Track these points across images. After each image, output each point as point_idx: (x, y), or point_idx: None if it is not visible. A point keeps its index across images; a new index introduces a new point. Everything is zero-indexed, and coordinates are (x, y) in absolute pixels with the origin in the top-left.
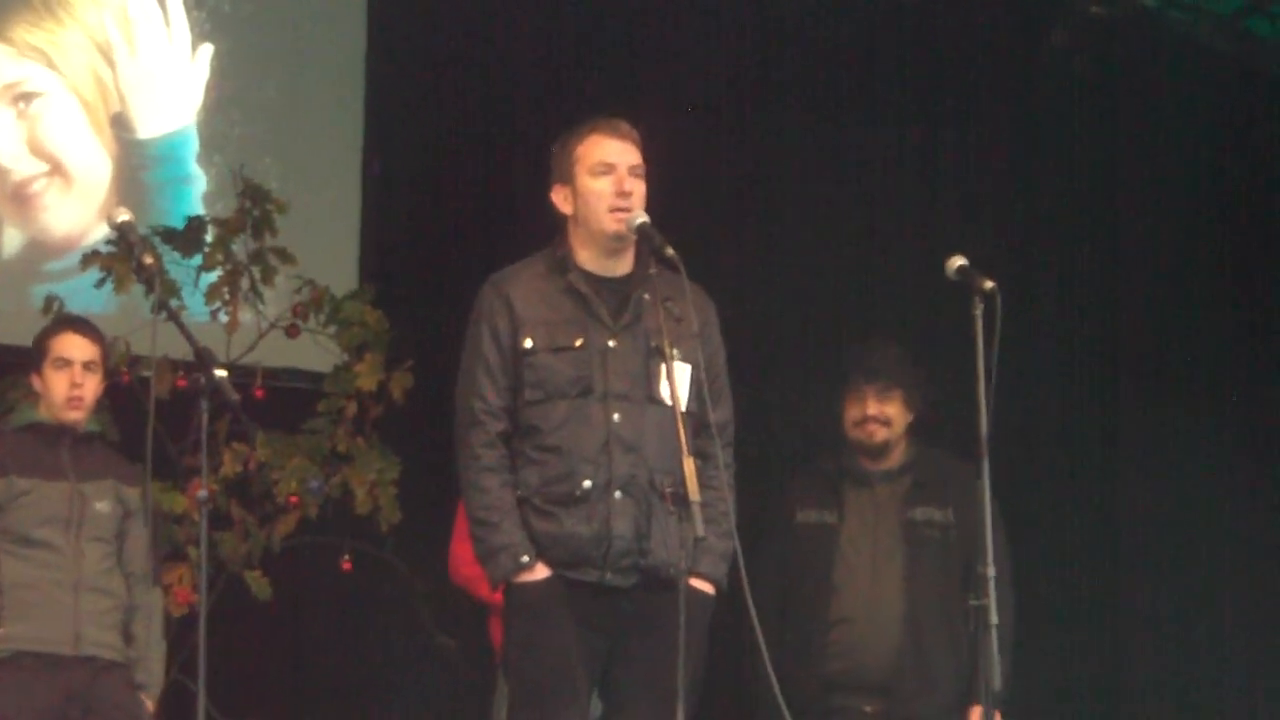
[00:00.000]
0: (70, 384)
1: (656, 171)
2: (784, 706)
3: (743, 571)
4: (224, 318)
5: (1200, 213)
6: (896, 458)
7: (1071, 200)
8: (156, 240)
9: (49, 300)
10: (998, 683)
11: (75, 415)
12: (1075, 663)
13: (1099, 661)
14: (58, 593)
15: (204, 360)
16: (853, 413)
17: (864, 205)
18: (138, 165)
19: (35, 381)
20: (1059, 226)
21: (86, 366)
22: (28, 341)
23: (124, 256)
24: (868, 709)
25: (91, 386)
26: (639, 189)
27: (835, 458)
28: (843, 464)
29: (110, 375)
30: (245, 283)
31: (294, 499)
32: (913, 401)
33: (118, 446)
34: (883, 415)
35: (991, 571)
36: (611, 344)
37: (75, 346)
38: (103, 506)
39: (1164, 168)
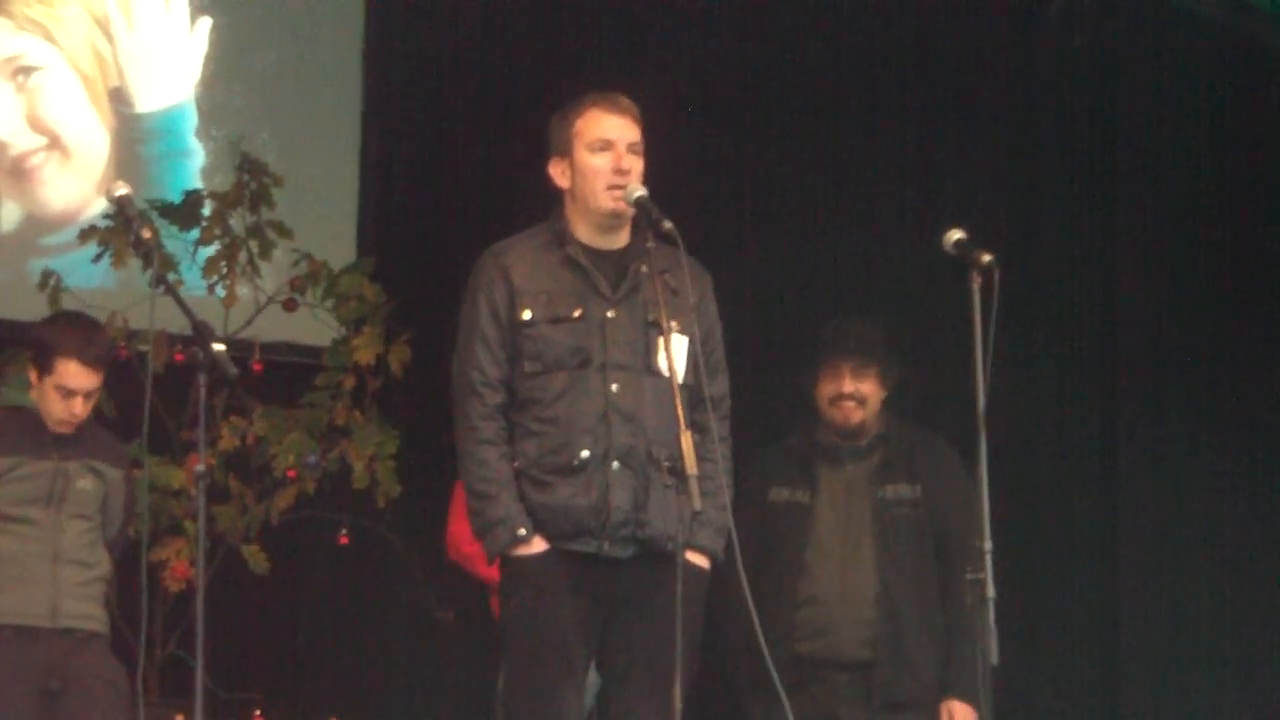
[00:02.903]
0: (69, 411)
1: (653, 151)
2: (778, 680)
3: (736, 545)
4: (221, 292)
5: (1202, 195)
6: (866, 434)
7: (1070, 187)
8: (154, 214)
9: (46, 275)
10: (995, 658)
11: (65, 431)
12: (1075, 664)
13: (1099, 662)
14: (35, 565)
15: (202, 334)
16: (827, 389)
17: (862, 187)
18: (136, 139)
19: (32, 375)
20: (1057, 212)
21: (88, 396)
22: (24, 316)
23: (122, 231)
24: (843, 682)
25: (88, 409)
26: (637, 166)
27: (808, 434)
28: (816, 441)
29: (108, 349)
30: (243, 257)
31: (292, 473)
32: (887, 378)
33: (114, 421)
34: (859, 393)
35: (988, 545)
36: (610, 315)
37: (81, 378)
38: (85, 484)
39: (1164, 150)
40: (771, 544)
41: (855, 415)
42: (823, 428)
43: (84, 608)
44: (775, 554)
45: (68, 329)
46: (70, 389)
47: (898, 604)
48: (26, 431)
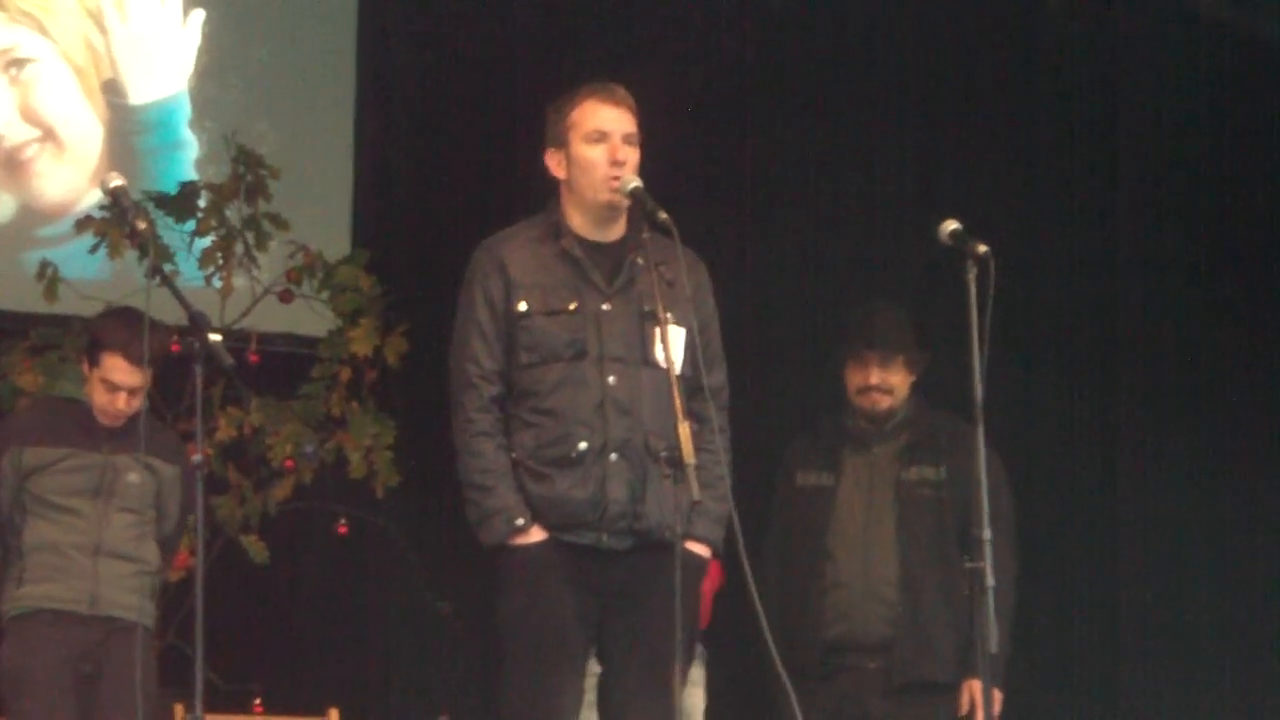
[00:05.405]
0: (113, 404)
1: (652, 142)
2: (783, 672)
3: (739, 537)
4: (218, 283)
5: (1201, 192)
6: (894, 418)
7: (1070, 183)
8: (150, 206)
9: (43, 265)
10: (994, 646)
11: (112, 424)
12: (1074, 662)
13: (1098, 661)
14: (78, 556)
15: (198, 325)
16: (855, 380)
17: (860, 182)
18: (130, 131)
19: (84, 368)
20: (1057, 208)
21: (132, 392)
22: (20, 307)
23: (117, 222)
24: (870, 665)
25: (134, 405)
26: (633, 157)
27: (836, 419)
28: (843, 426)
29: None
30: (239, 248)
31: (289, 464)
32: (914, 364)
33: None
34: (886, 384)
35: (988, 534)
36: (605, 307)
37: (125, 374)
38: (134, 478)
39: (1164, 146)
40: (797, 529)
41: (884, 403)
42: (850, 412)
43: (125, 598)
44: (801, 538)
45: (117, 325)
46: (114, 384)
47: (919, 585)
48: (78, 423)
